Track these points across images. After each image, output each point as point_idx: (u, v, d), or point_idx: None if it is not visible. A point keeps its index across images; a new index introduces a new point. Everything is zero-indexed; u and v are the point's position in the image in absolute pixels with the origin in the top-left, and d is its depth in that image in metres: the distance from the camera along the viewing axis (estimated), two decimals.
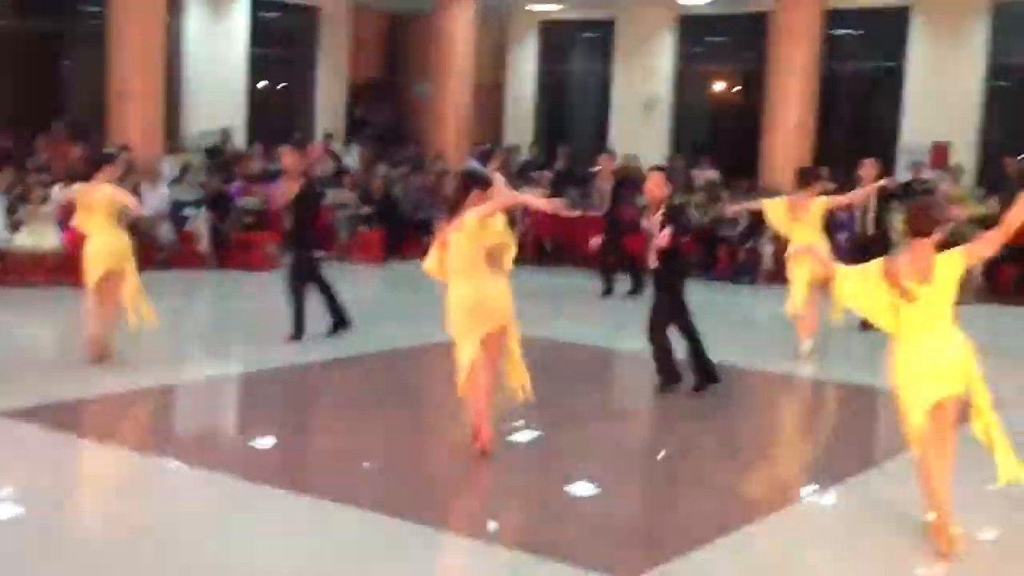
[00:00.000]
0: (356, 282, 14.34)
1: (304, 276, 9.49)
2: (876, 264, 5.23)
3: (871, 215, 10.55)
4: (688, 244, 13.87)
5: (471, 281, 6.18)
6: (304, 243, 9.62)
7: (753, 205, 10.59)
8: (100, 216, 8.39)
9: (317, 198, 10.03)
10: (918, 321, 5.11)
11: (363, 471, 6.20)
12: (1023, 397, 8.61)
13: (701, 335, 8.03)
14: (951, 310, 5.16)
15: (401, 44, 22.62)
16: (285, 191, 9.40)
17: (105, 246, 8.37)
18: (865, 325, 10.42)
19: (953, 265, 5.09)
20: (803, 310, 9.36)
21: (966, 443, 5.29)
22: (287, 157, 9.53)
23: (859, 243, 10.63)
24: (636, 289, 12.69)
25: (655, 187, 7.93)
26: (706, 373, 8.05)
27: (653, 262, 7.90)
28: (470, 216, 6.14)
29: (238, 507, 5.56)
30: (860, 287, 5.23)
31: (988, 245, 5.21)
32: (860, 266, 5.34)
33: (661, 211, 7.85)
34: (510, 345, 6.40)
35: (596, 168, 14.44)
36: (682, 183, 16.55)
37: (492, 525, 5.36)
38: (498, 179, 11.84)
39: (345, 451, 6.57)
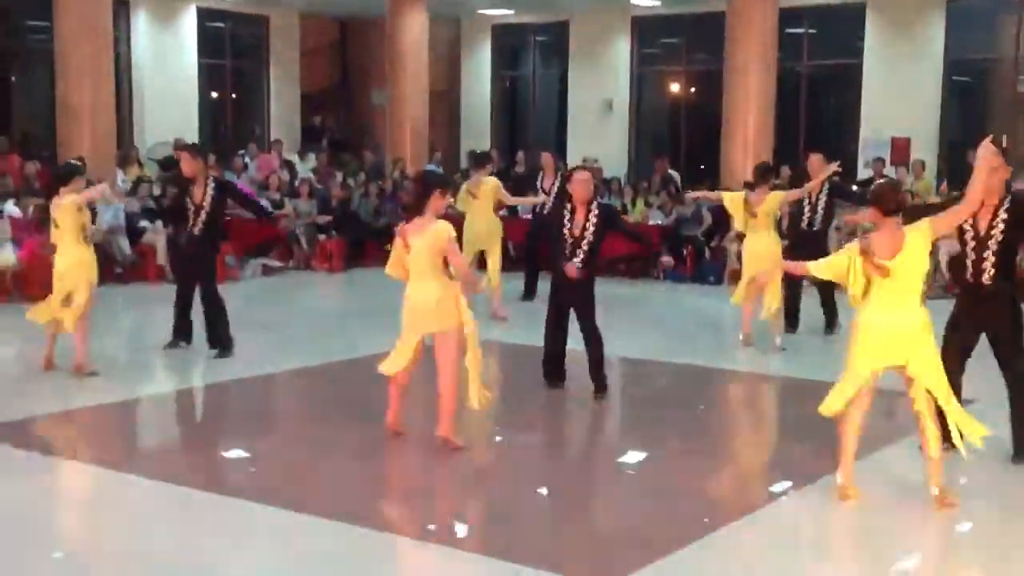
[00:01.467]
0: (317, 291, 14.17)
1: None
2: (851, 245, 5.54)
3: (820, 211, 10.35)
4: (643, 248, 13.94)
5: (423, 284, 6.32)
6: (216, 248, 9.44)
7: (713, 195, 10.95)
8: (69, 233, 8.26)
9: (233, 195, 9.48)
10: (890, 294, 5.39)
11: (331, 482, 6.03)
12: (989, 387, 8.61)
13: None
14: (922, 284, 5.43)
15: (354, 51, 22.45)
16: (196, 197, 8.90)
17: (75, 263, 8.26)
18: (830, 326, 10.43)
19: (922, 237, 5.34)
20: (746, 302, 9.67)
21: None
22: (186, 163, 8.93)
23: (799, 237, 10.41)
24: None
25: (582, 187, 7.57)
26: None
27: (575, 272, 7.57)
28: (444, 226, 6.25)
29: (205, 520, 5.42)
30: (834, 260, 5.58)
31: (954, 217, 5.55)
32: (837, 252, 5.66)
33: (593, 212, 7.60)
34: (467, 352, 6.41)
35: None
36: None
37: (463, 531, 5.21)
38: (493, 182, 11.76)
39: (312, 462, 6.41)
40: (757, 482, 6.36)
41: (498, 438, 6.90)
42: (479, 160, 12.18)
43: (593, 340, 7.77)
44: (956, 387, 5.94)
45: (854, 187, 15.04)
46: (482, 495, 5.94)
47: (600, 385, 7.82)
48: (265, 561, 4.94)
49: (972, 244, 6.14)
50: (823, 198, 10.31)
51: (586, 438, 7.33)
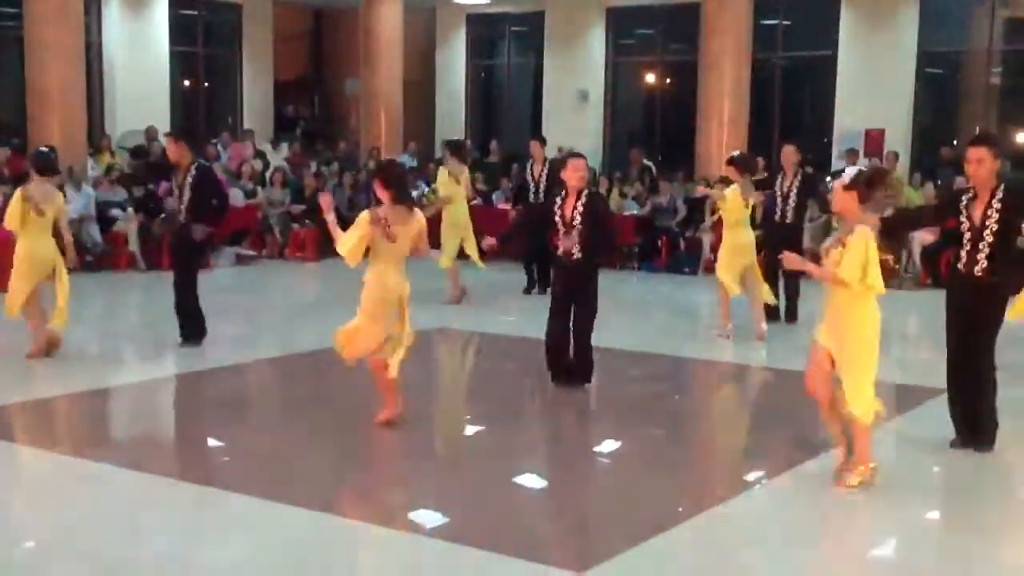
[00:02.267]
0: (291, 280, 14.10)
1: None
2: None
3: (791, 203, 10.32)
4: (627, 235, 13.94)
5: (398, 272, 6.48)
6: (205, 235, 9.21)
7: (716, 193, 10.38)
8: (45, 221, 8.31)
9: (212, 184, 9.07)
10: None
11: (306, 471, 5.99)
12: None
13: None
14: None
15: (328, 40, 22.31)
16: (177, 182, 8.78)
17: (46, 251, 8.33)
18: (790, 316, 10.43)
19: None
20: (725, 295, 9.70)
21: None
22: (169, 148, 8.83)
23: (772, 230, 10.37)
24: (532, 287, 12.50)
25: (575, 173, 7.51)
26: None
27: (574, 254, 7.49)
28: (423, 216, 6.60)
29: (177, 509, 5.38)
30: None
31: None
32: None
33: (581, 200, 7.50)
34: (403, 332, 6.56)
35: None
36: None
37: (439, 520, 5.18)
38: (466, 173, 11.88)
39: (287, 451, 6.36)
40: (732, 471, 6.37)
41: (475, 427, 6.87)
42: (457, 149, 12.14)
43: (581, 330, 7.62)
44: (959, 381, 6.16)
45: (828, 179, 15.12)
46: (458, 484, 5.91)
47: (581, 379, 7.72)
48: (239, 550, 4.89)
49: (968, 235, 6.14)
50: (795, 191, 10.30)
51: (563, 427, 7.31)
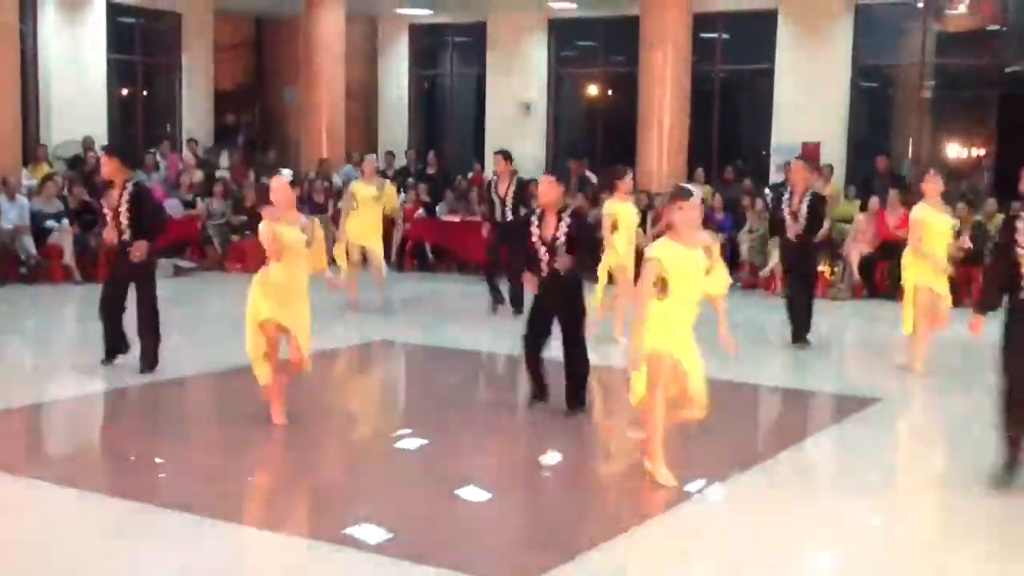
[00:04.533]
0: (231, 292, 13.90)
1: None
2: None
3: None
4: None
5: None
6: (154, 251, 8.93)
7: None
8: None
9: (148, 202, 8.71)
10: None
11: (240, 486, 5.93)
12: (902, 385, 8.84)
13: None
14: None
15: (269, 49, 22.16)
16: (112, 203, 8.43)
17: None
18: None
19: None
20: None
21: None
22: (104, 165, 8.56)
23: None
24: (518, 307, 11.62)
25: (547, 189, 7.35)
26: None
27: (561, 265, 7.25)
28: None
29: (111, 526, 5.30)
30: None
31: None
32: None
33: (565, 220, 7.29)
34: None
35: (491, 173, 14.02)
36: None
37: (378, 536, 5.15)
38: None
39: (221, 466, 6.30)
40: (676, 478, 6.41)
41: (418, 441, 6.85)
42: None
43: (575, 355, 7.41)
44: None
45: (766, 190, 15.36)
46: (398, 498, 5.88)
47: (577, 402, 7.50)
48: (174, 568, 4.83)
49: None
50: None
51: (505, 439, 7.30)
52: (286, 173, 7.16)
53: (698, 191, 5.90)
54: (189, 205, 15.75)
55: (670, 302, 5.70)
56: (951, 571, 5.01)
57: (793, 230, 9.87)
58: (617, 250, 9.89)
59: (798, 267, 10.12)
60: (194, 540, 5.12)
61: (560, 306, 7.38)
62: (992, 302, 6.07)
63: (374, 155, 13.91)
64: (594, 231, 7.80)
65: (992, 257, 6.71)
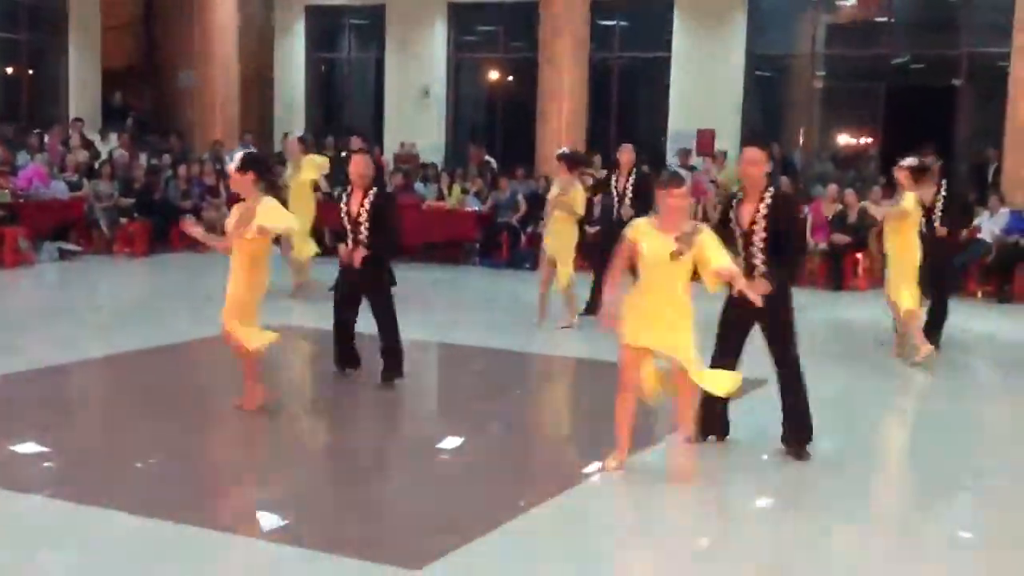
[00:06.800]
0: (118, 276, 13.56)
1: None
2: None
3: (627, 202, 10.34)
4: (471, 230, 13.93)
5: None
6: None
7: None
8: None
9: None
10: None
11: (130, 474, 5.76)
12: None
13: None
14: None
15: (161, 28, 21.57)
16: None
17: None
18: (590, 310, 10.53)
19: None
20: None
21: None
22: None
23: (610, 228, 10.43)
24: None
25: (363, 167, 7.42)
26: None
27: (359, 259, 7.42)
28: None
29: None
30: None
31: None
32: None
33: (369, 196, 7.43)
34: None
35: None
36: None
37: (271, 522, 5.07)
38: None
39: (110, 453, 6.12)
40: (570, 463, 6.43)
41: (314, 426, 6.76)
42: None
43: (384, 326, 7.56)
44: None
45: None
46: (292, 484, 5.79)
47: (388, 372, 7.60)
48: (66, 559, 4.67)
49: None
50: (630, 189, 10.32)
51: (403, 424, 7.25)
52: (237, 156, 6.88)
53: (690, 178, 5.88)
54: (75, 187, 15.26)
55: (646, 293, 5.66)
56: (844, 542, 5.13)
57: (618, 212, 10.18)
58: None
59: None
60: (83, 531, 4.95)
61: (364, 286, 7.53)
62: None
63: (294, 136, 13.58)
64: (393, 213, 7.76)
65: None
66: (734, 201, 6.19)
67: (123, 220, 15.04)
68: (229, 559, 4.80)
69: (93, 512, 5.13)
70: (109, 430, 6.72)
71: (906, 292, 8.68)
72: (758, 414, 6.76)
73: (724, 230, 6.04)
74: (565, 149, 10.76)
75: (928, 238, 9.13)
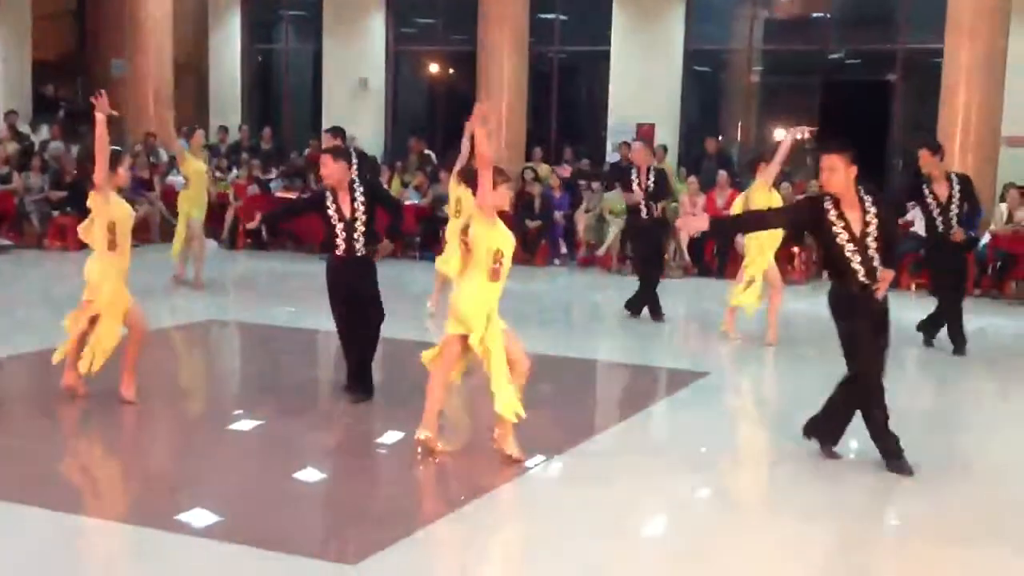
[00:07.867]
0: (50, 271, 13.27)
1: None
2: None
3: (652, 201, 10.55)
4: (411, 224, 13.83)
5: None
6: None
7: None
8: None
9: None
10: None
11: (58, 471, 5.63)
12: (732, 365, 9.10)
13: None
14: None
15: (93, 18, 21.13)
16: None
17: None
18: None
19: None
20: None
21: None
22: None
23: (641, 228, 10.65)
24: None
25: (337, 169, 7.05)
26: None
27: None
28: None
29: None
30: None
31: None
32: None
33: (357, 191, 7.13)
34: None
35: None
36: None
37: (208, 519, 4.96)
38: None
39: (37, 450, 5.96)
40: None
41: (252, 422, 6.65)
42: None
43: (367, 337, 7.27)
44: None
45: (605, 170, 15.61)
46: (233, 481, 5.69)
47: (360, 387, 7.29)
48: None
49: None
50: (651, 186, 10.38)
51: (343, 419, 7.16)
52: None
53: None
54: (4, 180, 14.91)
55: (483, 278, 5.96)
56: (773, 534, 5.17)
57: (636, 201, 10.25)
58: None
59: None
60: (2, 529, 4.82)
61: (359, 290, 7.18)
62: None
63: (201, 129, 13.49)
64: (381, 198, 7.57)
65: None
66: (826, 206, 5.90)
67: (55, 213, 14.73)
68: (159, 557, 4.68)
69: (14, 508, 5.00)
70: (34, 427, 6.54)
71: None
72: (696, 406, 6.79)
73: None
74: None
75: (944, 240, 8.92)
